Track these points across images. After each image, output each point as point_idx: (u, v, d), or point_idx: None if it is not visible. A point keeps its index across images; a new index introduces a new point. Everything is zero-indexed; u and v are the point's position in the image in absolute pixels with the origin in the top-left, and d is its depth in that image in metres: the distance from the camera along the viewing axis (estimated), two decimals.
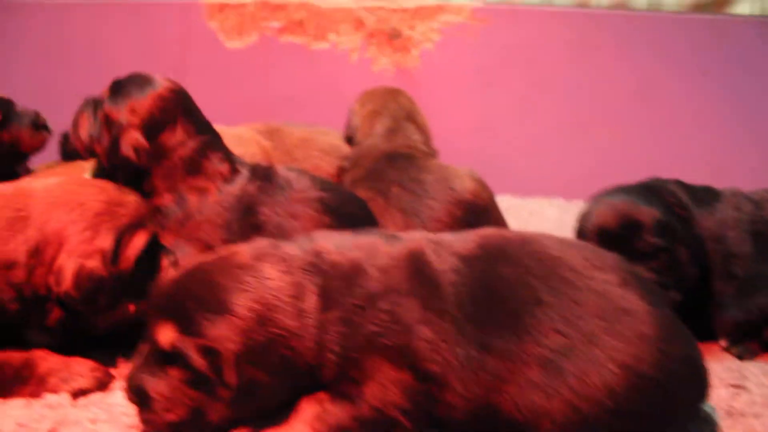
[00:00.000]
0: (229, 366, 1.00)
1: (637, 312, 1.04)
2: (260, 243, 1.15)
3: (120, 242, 1.26)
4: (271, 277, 1.06)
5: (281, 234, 1.50)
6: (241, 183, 1.56)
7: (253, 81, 2.67)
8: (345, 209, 1.61)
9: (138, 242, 1.30)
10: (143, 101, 1.52)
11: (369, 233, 1.19)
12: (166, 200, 1.52)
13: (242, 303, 1.03)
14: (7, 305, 1.20)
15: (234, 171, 1.58)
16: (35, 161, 2.36)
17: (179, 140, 1.54)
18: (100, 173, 1.64)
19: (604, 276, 1.07)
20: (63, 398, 1.18)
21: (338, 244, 1.14)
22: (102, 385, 1.24)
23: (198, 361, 1.00)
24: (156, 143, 1.53)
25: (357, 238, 1.16)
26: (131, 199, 1.35)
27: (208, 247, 1.50)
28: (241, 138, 2.05)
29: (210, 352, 1.00)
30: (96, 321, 1.30)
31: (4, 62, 2.97)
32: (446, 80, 2.58)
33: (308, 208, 1.56)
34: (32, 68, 2.91)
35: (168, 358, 1.03)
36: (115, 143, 1.50)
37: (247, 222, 1.53)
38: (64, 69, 2.89)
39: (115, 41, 2.80)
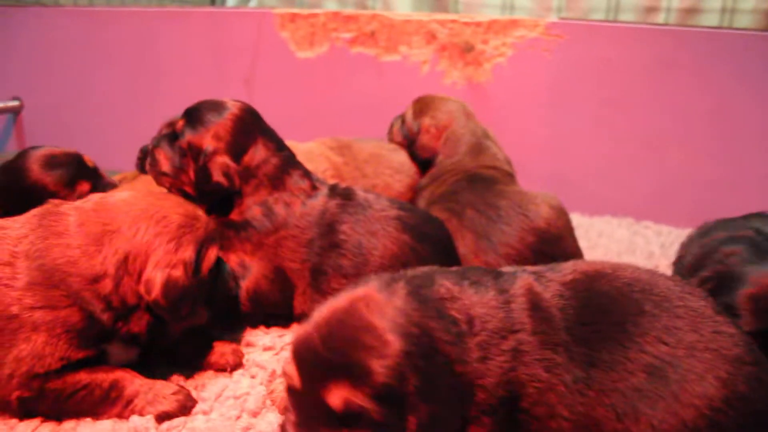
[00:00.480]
0: (412, 407, 0.93)
1: (731, 335, 1.06)
2: (379, 280, 1.08)
3: (199, 253, 1.30)
4: (414, 308, 1.00)
5: (360, 253, 1.54)
6: (322, 200, 1.60)
7: (322, 91, 2.68)
8: (423, 228, 1.63)
9: (212, 254, 1.34)
10: (224, 125, 1.55)
11: (476, 271, 1.16)
12: (256, 212, 1.55)
13: (403, 339, 0.95)
14: (97, 316, 1.23)
15: (314, 188, 1.61)
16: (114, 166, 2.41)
17: (263, 158, 1.57)
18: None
19: (698, 301, 1.10)
20: (149, 422, 1.21)
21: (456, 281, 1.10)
22: (185, 409, 1.26)
23: (378, 412, 0.91)
24: (242, 164, 1.55)
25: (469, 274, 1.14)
26: (202, 214, 1.38)
27: (279, 268, 1.54)
28: (311, 153, 2.07)
29: (387, 398, 0.92)
30: (175, 328, 1.33)
31: (86, 68, 3.05)
32: (518, 96, 2.54)
33: (388, 227, 1.58)
34: (113, 74, 2.99)
35: (343, 420, 0.93)
36: (204, 171, 1.52)
37: (327, 240, 1.56)
38: (143, 74, 2.96)
39: (190, 48, 2.85)
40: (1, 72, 3.19)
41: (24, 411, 1.20)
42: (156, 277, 1.22)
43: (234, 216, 1.56)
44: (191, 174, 1.56)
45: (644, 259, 2.22)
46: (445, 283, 1.08)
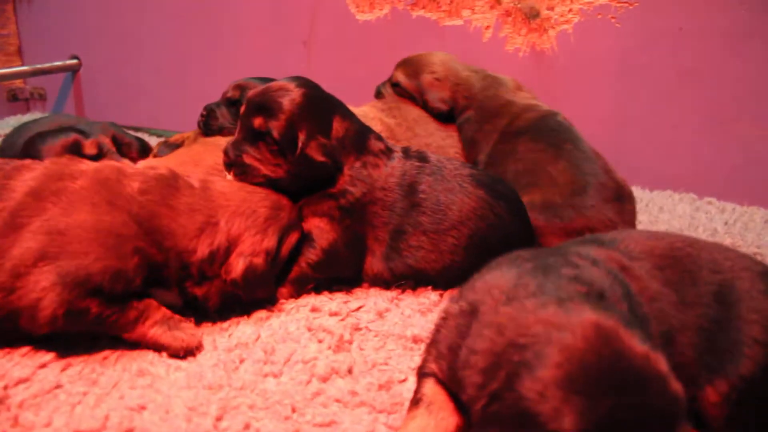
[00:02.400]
0: None
1: None
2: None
3: (281, 240, 1.48)
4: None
5: (437, 209, 1.57)
6: (400, 161, 1.61)
7: (381, 55, 2.63)
8: (496, 186, 1.65)
9: (292, 239, 1.53)
10: (306, 107, 1.53)
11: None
12: (348, 179, 1.56)
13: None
14: (167, 272, 1.36)
15: (389, 149, 1.63)
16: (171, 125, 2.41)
17: (345, 127, 1.57)
18: None
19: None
20: (223, 380, 1.22)
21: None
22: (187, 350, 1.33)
23: None
24: (332, 139, 1.54)
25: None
26: (287, 203, 1.54)
27: (357, 234, 1.54)
28: (366, 117, 2.09)
29: None
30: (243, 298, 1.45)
31: (143, 26, 3.06)
32: (583, 64, 2.46)
33: (464, 183, 1.60)
34: (170, 33, 2.98)
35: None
36: (305, 158, 1.51)
37: (408, 201, 1.58)
38: (199, 33, 2.95)
39: (248, 7, 2.82)
40: (60, 31, 3.21)
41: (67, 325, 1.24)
42: (238, 263, 1.40)
43: (329, 188, 1.55)
44: (288, 166, 1.53)
45: (707, 237, 2.16)
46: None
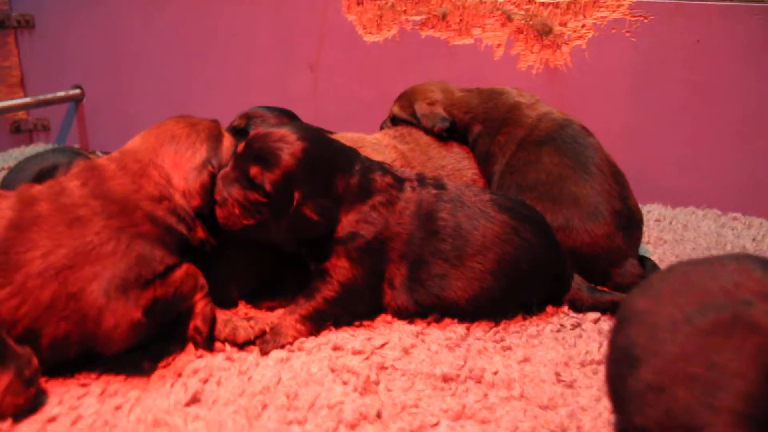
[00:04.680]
0: None
1: None
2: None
3: (214, 149, 1.49)
4: None
5: (459, 234, 1.51)
6: (414, 191, 1.54)
7: (391, 77, 2.58)
8: (519, 209, 1.59)
9: (227, 143, 1.53)
10: (303, 163, 1.44)
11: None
12: (356, 224, 1.49)
13: None
14: (174, 227, 1.38)
15: (399, 180, 1.56)
16: None
17: (346, 181, 1.50)
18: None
19: None
20: (245, 429, 1.15)
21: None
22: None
23: None
24: (331, 196, 1.48)
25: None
26: (199, 119, 1.53)
27: (377, 270, 1.47)
28: (380, 144, 2.05)
29: None
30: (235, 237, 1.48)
31: (147, 54, 3.01)
32: (598, 80, 2.41)
33: (486, 208, 1.54)
34: (174, 61, 2.94)
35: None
36: (299, 217, 1.44)
37: (426, 230, 1.51)
38: (204, 59, 2.90)
39: (254, 31, 2.77)
40: (63, 61, 3.17)
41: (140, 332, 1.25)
42: (185, 186, 1.40)
43: (338, 234, 1.48)
44: (276, 221, 1.46)
45: None
46: None
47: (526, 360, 1.38)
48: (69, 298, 1.21)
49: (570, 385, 1.29)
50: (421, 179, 1.58)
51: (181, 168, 1.41)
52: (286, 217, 1.45)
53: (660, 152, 2.43)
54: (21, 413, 1.15)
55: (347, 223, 1.48)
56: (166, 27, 2.96)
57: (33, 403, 1.19)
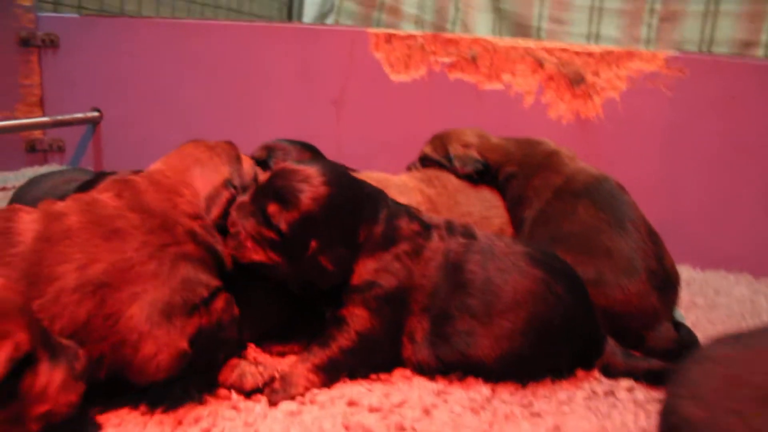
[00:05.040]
0: None
1: None
2: None
3: (236, 169, 1.48)
4: None
5: (489, 289, 1.40)
6: (442, 240, 1.45)
7: (416, 117, 2.52)
8: (552, 263, 1.48)
9: (246, 165, 1.52)
10: (324, 209, 1.35)
11: None
12: (376, 272, 1.39)
13: None
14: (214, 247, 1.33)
15: (426, 227, 1.46)
16: None
17: (369, 230, 1.41)
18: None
19: None
20: None
21: None
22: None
23: None
24: (352, 245, 1.39)
25: None
26: (218, 142, 1.49)
27: (397, 322, 1.37)
28: (406, 187, 1.97)
29: None
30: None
31: (168, 81, 2.98)
32: (630, 134, 2.34)
33: (518, 261, 1.43)
34: (195, 89, 2.90)
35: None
36: (313, 264, 1.36)
37: (453, 282, 1.41)
38: (225, 90, 2.86)
39: (276, 65, 2.73)
40: (83, 82, 3.14)
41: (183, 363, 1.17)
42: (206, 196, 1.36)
43: (354, 281, 1.39)
44: (288, 263, 1.38)
45: None
46: None
47: (556, 429, 1.27)
48: (106, 319, 1.12)
49: None
50: (450, 227, 1.50)
51: (204, 190, 1.37)
52: (298, 262, 1.36)
53: (691, 210, 2.34)
54: (74, 412, 1.05)
55: (365, 271, 1.39)
56: (188, 55, 2.93)
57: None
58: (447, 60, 2.49)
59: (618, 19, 3.57)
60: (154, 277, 1.17)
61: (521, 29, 3.66)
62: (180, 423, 1.21)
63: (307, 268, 1.36)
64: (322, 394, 1.33)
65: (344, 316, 1.39)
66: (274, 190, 1.37)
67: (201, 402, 1.28)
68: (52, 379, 0.98)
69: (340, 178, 1.41)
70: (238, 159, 1.49)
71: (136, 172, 1.40)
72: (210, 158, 1.41)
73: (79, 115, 3.06)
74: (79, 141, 3.18)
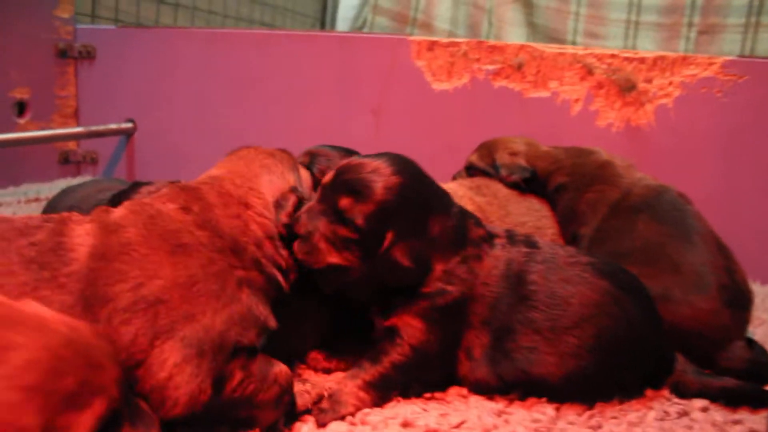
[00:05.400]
0: None
1: None
2: None
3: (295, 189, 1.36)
4: None
5: (552, 303, 1.30)
6: (505, 249, 1.36)
7: (458, 127, 2.44)
8: (619, 275, 1.37)
9: (305, 174, 1.52)
10: (398, 201, 1.28)
11: None
12: (445, 278, 1.30)
13: None
14: (276, 278, 1.23)
15: (490, 235, 1.37)
16: None
17: (442, 224, 1.32)
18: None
19: None
20: None
21: None
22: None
23: None
24: (425, 239, 1.31)
25: None
26: (278, 151, 1.41)
27: (454, 336, 1.28)
28: (455, 195, 1.85)
29: None
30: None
31: (203, 91, 2.95)
32: (685, 142, 2.23)
33: (584, 273, 1.33)
34: (230, 99, 2.86)
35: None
36: (387, 260, 1.27)
37: (515, 294, 1.31)
38: (262, 100, 2.81)
39: (314, 69, 2.67)
40: (118, 94, 3.12)
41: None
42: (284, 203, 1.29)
43: (426, 288, 1.31)
44: (364, 262, 1.29)
45: None
46: None
47: None
48: (153, 339, 1.01)
49: None
50: (511, 236, 1.40)
51: (271, 193, 1.29)
52: (373, 260, 1.28)
53: (750, 222, 2.22)
54: None
55: (436, 276, 1.30)
56: (224, 64, 2.89)
57: None
58: (491, 67, 2.41)
59: (655, 33, 3.47)
60: (216, 298, 1.07)
61: (555, 44, 3.58)
62: None
63: (381, 266, 1.27)
64: (374, 414, 1.24)
65: (397, 328, 1.30)
66: (344, 184, 1.29)
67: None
68: None
69: (408, 168, 1.34)
70: (296, 168, 1.42)
71: (173, 183, 1.32)
72: (275, 164, 1.34)
73: (113, 126, 3.03)
74: (113, 152, 3.15)
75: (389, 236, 1.26)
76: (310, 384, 1.27)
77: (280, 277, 1.23)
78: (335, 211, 1.28)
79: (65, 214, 1.15)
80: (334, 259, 1.28)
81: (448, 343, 1.31)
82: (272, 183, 1.30)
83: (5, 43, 2.81)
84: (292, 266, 1.28)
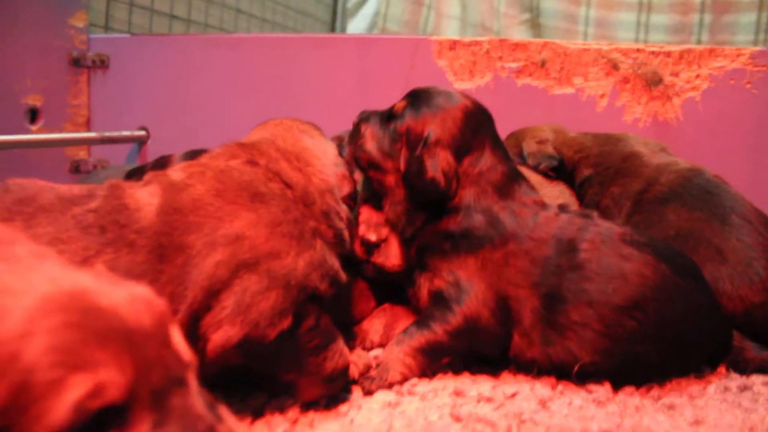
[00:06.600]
0: None
1: None
2: None
3: None
4: None
5: (608, 276, 1.20)
6: (558, 215, 1.29)
7: None
8: (678, 260, 1.28)
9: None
10: (454, 115, 1.28)
11: None
12: (479, 220, 1.24)
13: None
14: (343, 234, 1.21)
15: (543, 202, 1.31)
16: None
17: (488, 164, 1.28)
18: (367, 188, 1.42)
19: None
20: None
21: None
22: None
23: None
24: (463, 165, 1.27)
25: None
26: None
27: (503, 298, 1.20)
28: None
29: None
30: None
31: (217, 98, 2.92)
32: (714, 136, 2.19)
33: (644, 253, 1.23)
34: (245, 105, 2.82)
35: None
36: (419, 163, 1.24)
37: (567, 260, 1.22)
38: (277, 105, 2.77)
39: (337, 74, 2.64)
40: (131, 102, 3.08)
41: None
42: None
43: (450, 224, 1.26)
44: (401, 162, 1.28)
45: None
46: None
47: (698, 422, 1.09)
48: (237, 268, 0.96)
49: None
50: (563, 207, 1.35)
51: (326, 160, 1.26)
52: (408, 162, 1.29)
53: None
54: None
55: (464, 216, 1.26)
56: (239, 71, 2.86)
57: None
58: (514, 65, 2.38)
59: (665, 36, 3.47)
60: (297, 240, 1.03)
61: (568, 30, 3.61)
62: (262, 414, 1.07)
63: (410, 170, 1.27)
64: (422, 385, 1.18)
65: (442, 290, 1.23)
66: (412, 95, 1.40)
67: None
68: None
69: (481, 106, 1.38)
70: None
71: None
72: (311, 130, 1.33)
73: (126, 133, 2.99)
74: (125, 161, 3.10)
75: (427, 136, 1.26)
76: (356, 355, 1.21)
77: (345, 233, 1.19)
78: (389, 113, 1.35)
79: (112, 181, 1.09)
80: (374, 151, 1.34)
81: (499, 307, 1.22)
82: (317, 146, 1.28)
83: (19, 50, 2.78)
84: (353, 224, 1.27)
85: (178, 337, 0.65)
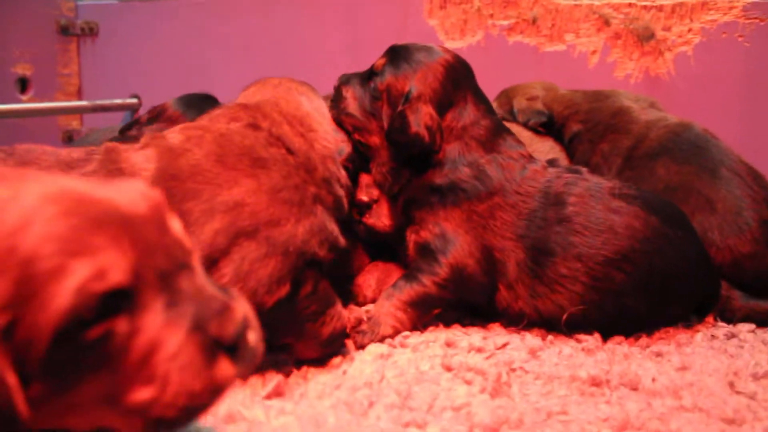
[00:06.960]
0: None
1: None
2: None
3: None
4: None
5: (596, 230, 1.21)
6: (546, 169, 1.30)
7: None
8: (667, 209, 1.29)
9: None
10: (435, 69, 1.28)
11: None
12: (465, 173, 1.25)
13: None
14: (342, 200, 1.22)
15: (530, 156, 1.32)
16: None
17: (472, 119, 1.29)
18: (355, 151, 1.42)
19: None
20: (352, 426, 0.90)
21: None
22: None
23: None
24: (445, 120, 1.27)
25: None
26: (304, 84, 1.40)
27: (488, 248, 1.22)
28: None
29: None
30: None
31: (209, 63, 2.90)
32: (706, 89, 2.18)
33: (633, 206, 1.24)
34: (237, 69, 2.80)
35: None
36: (402, 119, 1.24)
37: (554, 213, 1.23)
38: (269, 68, 2.76)
39: (326, 35, 2.62)
40: (122, 71, 3.06)
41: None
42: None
43: (436, 178, 1.26)
44: (383, 121, 1.28)
45: None
46: None
47: (684, 368, 1.11)
48: (236, 236, 0.97)
49: (752, 398, 1.02)
50: (553, 162, 1.36)
51: (327, 126, 1.28)
52: (390, 119, 1.29)
53: None
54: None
55: (450, 169, 1.27)
56: (230, 35, 2.83)
57: None
58: (505, 23, 2.36)
59: None
60: (298, 207, 1.04)
61: None
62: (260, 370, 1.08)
63: (393, 126, 1.27)
64: (414, 337, 1.20)
65: (428, 242, 1.24)
66: (391, 51, 1.36)
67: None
68: (159, 341, 0.59)
69: (462, 60, 1.38)
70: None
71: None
72: (309, 92, 1.34)
73: (118, 101, 2.98)
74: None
75: (409, 92, 1.26)
76: (347, 309, 1.23)
77: (344, 199, 1.20)
78: (370, 71, 1.34)
79: (108, 144, 1.09)
80: (356, 111, 1.34)
81: (485, 256, 1.24)
82: (316, 109, 1.28)
83: (6, 19, 2.76)
84: (351, 189, 1.29)
85: (177, 226, 0.66)
